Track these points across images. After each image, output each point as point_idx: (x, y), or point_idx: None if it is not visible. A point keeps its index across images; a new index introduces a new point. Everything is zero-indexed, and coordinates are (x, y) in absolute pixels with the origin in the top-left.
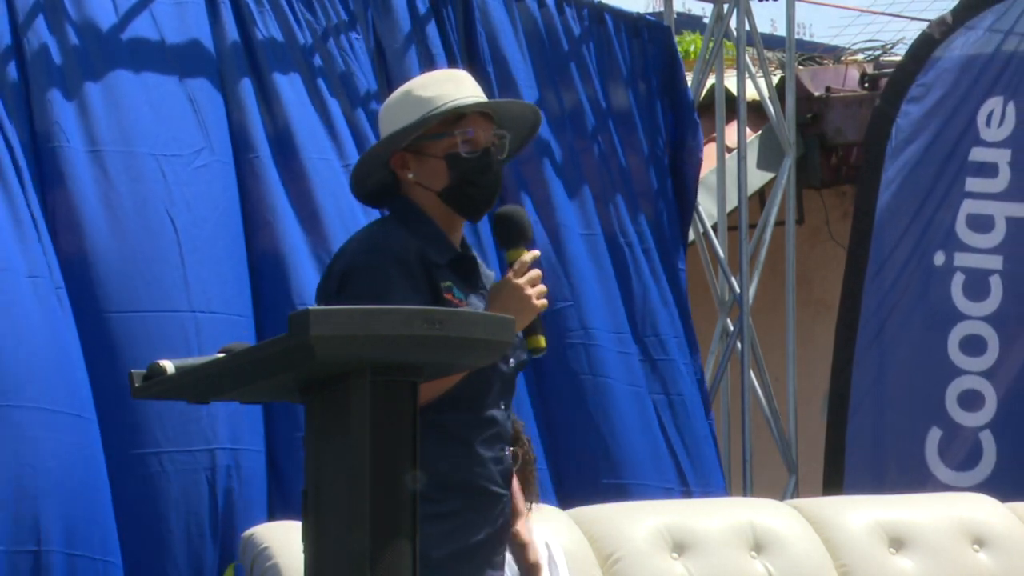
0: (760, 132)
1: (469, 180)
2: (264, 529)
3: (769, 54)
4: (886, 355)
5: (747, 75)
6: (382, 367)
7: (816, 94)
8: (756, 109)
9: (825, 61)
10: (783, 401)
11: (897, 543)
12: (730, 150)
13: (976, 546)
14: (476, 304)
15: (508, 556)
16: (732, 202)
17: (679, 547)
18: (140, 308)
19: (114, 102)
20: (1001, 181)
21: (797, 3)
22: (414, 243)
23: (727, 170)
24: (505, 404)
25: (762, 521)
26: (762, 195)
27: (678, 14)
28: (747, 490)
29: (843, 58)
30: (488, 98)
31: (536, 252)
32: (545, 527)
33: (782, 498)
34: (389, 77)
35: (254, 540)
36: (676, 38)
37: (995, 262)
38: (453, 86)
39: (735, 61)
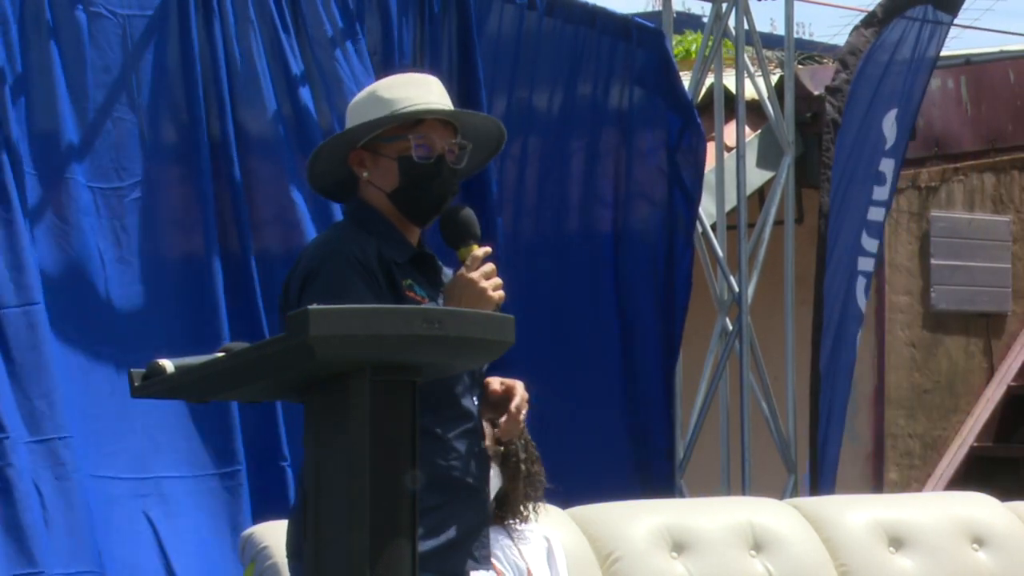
0: (760, 131)
1: (417, 184)
2: (263, 529)
3: (769, 53)
4: (830, 358)
5: (746, 74)
6: (381, 367)
7: (816, 93)
8: (756, 108)
9: (825, 60)
10: (782, 401)
11: (897, 542)
12: (729, 149)
13: (976, 545)
14: (439, 301)
15: (517, 555)
16: (731, 201)
17: (679, 546)
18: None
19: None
20: (885, 190)
21: (797, 3)
22: (372, 244)
23: (726, 169)
24: (477, 398)
25: (762, 520)
26: (762, 194)
27: (678, 13)
28: (746, 489)
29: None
30: (470, 104)
31: (487, 248)
32: (545, 525)
33: (781, 497)
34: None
35: (253, 539)
36: (676, 37)
37: (872, 265)
38: (418, 90)
39: (735, 60)
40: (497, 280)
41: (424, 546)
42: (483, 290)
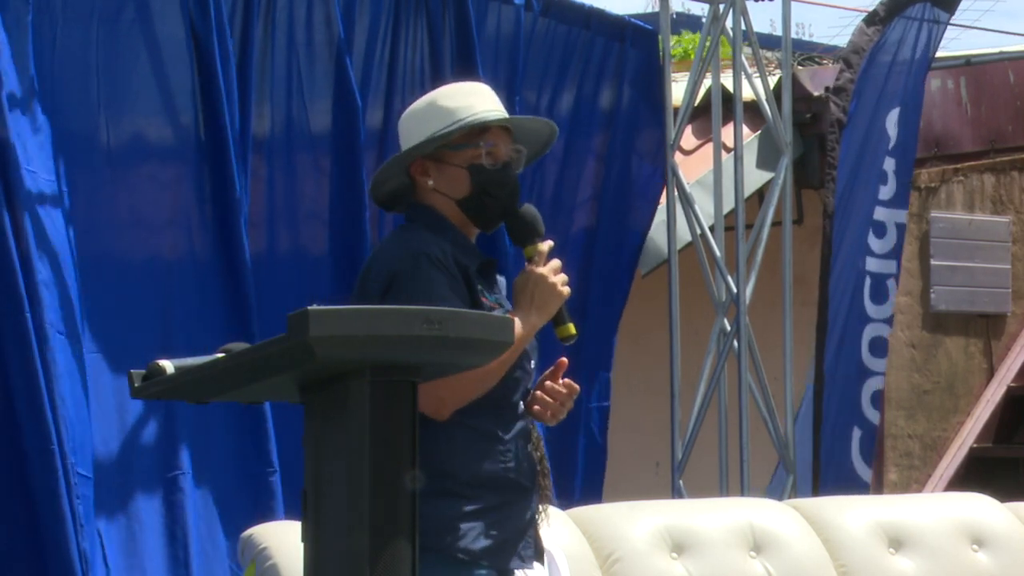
0: (760, 132)
1: (488, 191)
2: (263, 529)
3: (768, 54)
4: (834, 359)
5: (744, 75)
6: (381, 367)
7: (815, 94)
8: (756, 109)
9: (824, 61)
10: (780, 401)
11: (896, 543)
12: (728, 150)
13: (975, 546)
14: (506, 307)
15: (553, 555)
16: (730, 202)
17: (678, 547)
18: None
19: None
20: (890, 189)
21: (797, 3)
22: (448, 249)
23: (725, 170)
24: (524, 402)
25: (761, 521)
26: (762, 195)
27: (677, 13)
28: (744, 490)
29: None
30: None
31: (550, 242)
32: (546, 528)
33: (779, 498)
34: (381, 81)
35: (253, 540)
36: (675, 38)
37: (891, 267)
38: (477, 99)
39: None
40: (563, 275)
41: (480, 543)
42: (553, 284)
